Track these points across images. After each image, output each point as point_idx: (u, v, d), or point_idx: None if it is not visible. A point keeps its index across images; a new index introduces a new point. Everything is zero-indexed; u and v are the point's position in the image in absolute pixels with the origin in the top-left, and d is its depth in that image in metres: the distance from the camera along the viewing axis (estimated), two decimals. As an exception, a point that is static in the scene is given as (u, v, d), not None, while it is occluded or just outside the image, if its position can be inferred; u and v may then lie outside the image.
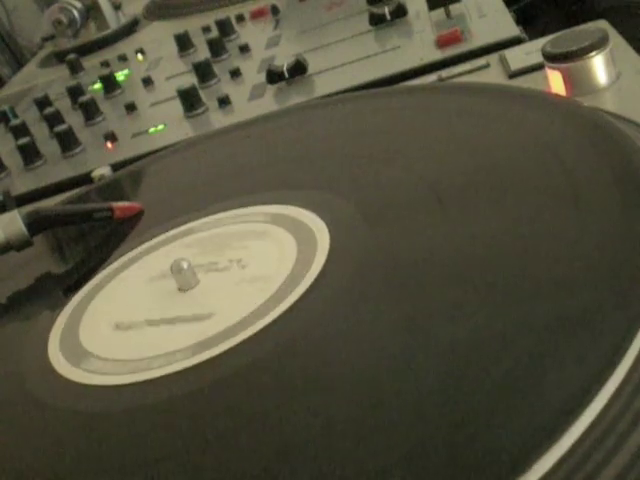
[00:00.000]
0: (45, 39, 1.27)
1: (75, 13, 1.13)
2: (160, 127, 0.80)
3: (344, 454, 0.32)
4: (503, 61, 0.66)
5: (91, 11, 1.16)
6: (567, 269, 0.37)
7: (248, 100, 0.78)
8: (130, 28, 1.21)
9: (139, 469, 0.35)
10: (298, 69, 0.77)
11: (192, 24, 1.08)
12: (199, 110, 0.79)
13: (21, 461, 0.39)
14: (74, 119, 0.88)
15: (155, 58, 1.03)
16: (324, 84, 0.75)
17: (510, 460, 0.29)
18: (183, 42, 1.00)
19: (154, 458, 0.36)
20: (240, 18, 1.04)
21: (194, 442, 0.35)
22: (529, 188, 0.44)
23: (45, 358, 0.45)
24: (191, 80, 0.84)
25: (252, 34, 0.98)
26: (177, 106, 0.81)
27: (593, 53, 0.56)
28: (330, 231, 0.46)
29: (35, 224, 0.56)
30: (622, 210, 0.39)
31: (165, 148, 0.71)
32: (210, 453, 0.35)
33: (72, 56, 1.08)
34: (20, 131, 0.85)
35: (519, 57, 0.65)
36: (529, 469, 0.28)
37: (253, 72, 0.85)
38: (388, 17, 0.83)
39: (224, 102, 0.79)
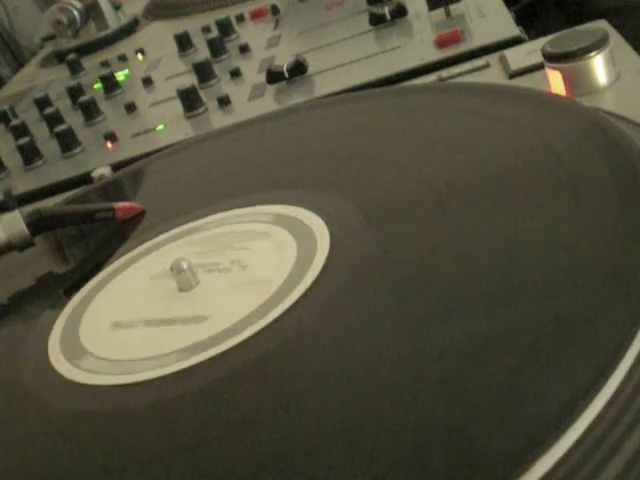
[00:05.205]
0: (45, 39, 1.27)
1: (75, 13, 1.13)
2: (160, 127, 0.80)
3: (340, 456, 0.32)
4: (503, 61, 0.66)
5: (91, 11, 1.16)
6: (567, 269, 0.37)
7: (248, 100, 0.78)
8: (130, 28, 1.21)
9: (138, 469, 0.35)
10: (298, 69, 0.77)
11: (192, 24, 1.08)
12: (199, 110, 0.79)
13: (21, 461, 0.39)
14: (74, 119, 0.88)
15: (155, 58, 1.03)
16: (324, 84, 0.75)
17: (509, 461, 0.29)
18: (183, 42, 1.00)
19: (153, 458, 0.36)
20: (240, 18, 1.04)
21: (193, 442, 0.35)
22: (529, 189, 0.44)
23: (45, 357, 0.45)
24: (191, 80, 0.84)
25: (252, 34, 0.98)
26: (177, 106, 0.81)
27: (593, 53, 0.56)
28: (330, 231, 0.46)
29: (37, 224, 0.56)
30: (621, 210, 0.39)
31: (165, 148, 0.71)
32: (208, 454, 0.35)
33: (72, 56, 1.08)
34: (20, 131, 0.86)
35: (519, 57, 0.65)
36: (528, 470, 0.28)
37: (253, 72, 0.85)
38: (388, 17, 0.83)
39: (224, 102, 0.79)
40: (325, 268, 0.43)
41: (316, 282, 0.43)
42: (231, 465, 0.34)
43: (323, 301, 0.41)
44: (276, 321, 0.41)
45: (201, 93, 0.81)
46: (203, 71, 0.86)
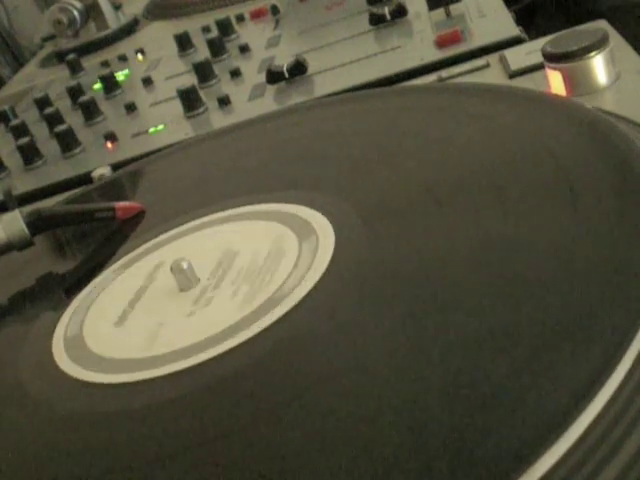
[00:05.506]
0: (45, 39, 1.27)
1: (75, 13, 1.13)
2: (160, 127, 0.80)
3: (340, 456, 0.32)
4: (503, 61, 0.66)
5: (91, 11, 1.16)
6: (567, 269, 0.37)
7: (248, 100, 0.78)
8: (130, 28, 1.21)
9: (139, 469, 0.35)
10: (298, 69, 0.77)
11: (192, 24, 1.08)
12: (199, 110, 0.79)
13: (26, 462, 0.39)
14: (74, 119, 0.88)
15: (155, 58, 1.03)
16: (324, 84, 0.75)
17: (509, 461, 0.29)
18: (183, 42, 1.00)
19: (154, 458, 0.36)
20: (240, 18, 1.04)
21: (196, 442, 0.35)
22: (528, 189, 0.44)
23: (49, 357, 0.45)
24: (191, 80, 0.84)
25: (252, 34, 0.98)
26: (177, 106, 0.81)
27: (593, 53, 0.56)
28: (334, 230, 0.46)
29: (36, 224, 0.56)
30: (621, 211, 0.39)
31: (165, 148, 0.71)
32: (210, 453, 0.35)
33: (72, 56, 1.08)
34: (20, 131, 0.86)
35: (519, 57, 0.65)
36: (528, 470, 0.28)
37: (253, 72, 0.85)
38: (388, 17, 0.83)
39: (224, 102, 0.79)
40: (329, 268, 0.43)
41: (318, 282, 0.42)
42: (231, 465, 0.34)
43: (325, 301, 0.41)
44: (278, 321, 0.41)
45: (201, 93, 0.81)
46: (203, 71, 0.86)
